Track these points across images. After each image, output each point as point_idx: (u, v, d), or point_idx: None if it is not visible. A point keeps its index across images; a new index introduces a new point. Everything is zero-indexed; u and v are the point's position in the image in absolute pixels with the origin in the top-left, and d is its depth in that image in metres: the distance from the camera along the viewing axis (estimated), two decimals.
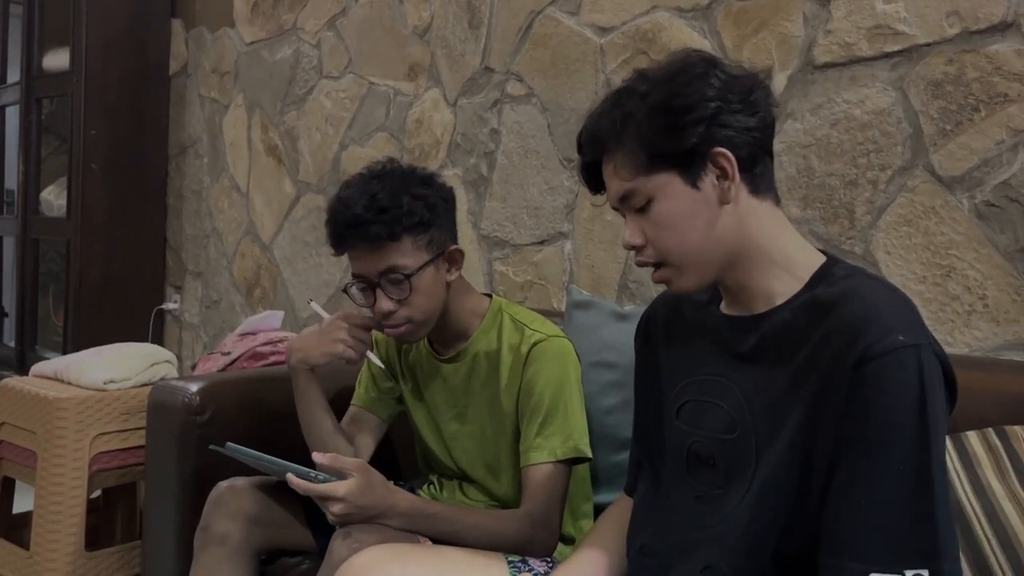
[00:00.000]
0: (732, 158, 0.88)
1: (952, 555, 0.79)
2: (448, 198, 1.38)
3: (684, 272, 0.93)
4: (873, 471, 0.79)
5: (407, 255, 1.29)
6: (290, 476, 1.18)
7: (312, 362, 1.40)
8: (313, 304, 1.53)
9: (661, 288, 1.07)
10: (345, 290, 1.37)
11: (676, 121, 0.88)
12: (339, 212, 1.30)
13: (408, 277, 1.29)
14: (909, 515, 0.78)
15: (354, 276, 1.34)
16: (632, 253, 0.96)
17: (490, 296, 1.44)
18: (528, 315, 1.41)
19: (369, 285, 1.32)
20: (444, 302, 1.36)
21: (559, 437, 1.30)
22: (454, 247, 1.36)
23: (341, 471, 1.19)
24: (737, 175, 0.89)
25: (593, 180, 0.98)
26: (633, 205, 0.93)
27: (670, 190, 0.90)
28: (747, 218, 0.91)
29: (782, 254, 0.92)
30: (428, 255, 1.31)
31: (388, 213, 1.27)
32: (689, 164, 0.89)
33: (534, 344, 1.34)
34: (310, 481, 1.18)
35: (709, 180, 0.89)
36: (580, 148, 0.98)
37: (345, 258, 1.34)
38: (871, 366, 0.80)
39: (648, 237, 0.93)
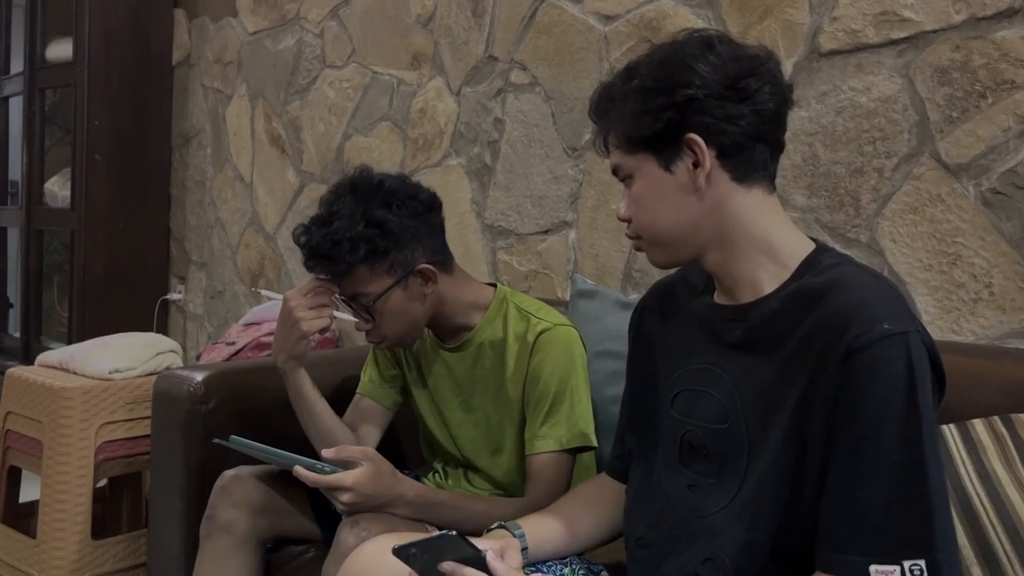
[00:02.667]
0: (703, 145, 0.88)
1: (948, 544, 0.79)
2: (419, 213, 1.34)
3: (655, 248, 0.96)
4: (866, 463, 0.79)
5: (367, 283, 1.30)
6: (298, 468, 1.18)
7: (293, 354, 1.37)
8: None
9: (664, 276, 1.07)
10: (341, 299, 1.38)
11: (648, 105, 0.90)
12: (300, 242, 1.32)
13: (368, 305, 1.31)
14: (904, 505, 0.78)
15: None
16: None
17: (495, 285, 1.44)
18: (533, 304, 1.41)
19: (347, 303, 1.36)
20: (427, 313, 1.36)
21: (565, 426, 1.30)
22: (424, 264, 1.32)
23: (348, 462, 1.20)
24: (709, 163, 0.89)
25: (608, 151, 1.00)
26: (620, 178, 0.97)
27: (645, 170, 0.93)
28: (726, 206, 0.91)
29: (766, 242, 0.92)
30: (391, 278, 1.30)
31: (340, 246, 1.27)
32: (663, 148, 0.91)
33: (540, 333, 1.34)
34: (317, 472, 1.19)
35: (684, 165, 0.90)
36: None
37: None
38: (859, 357, 0.80)
39: (631, 212, 0.96)
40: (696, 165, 0.89)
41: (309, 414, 1.41)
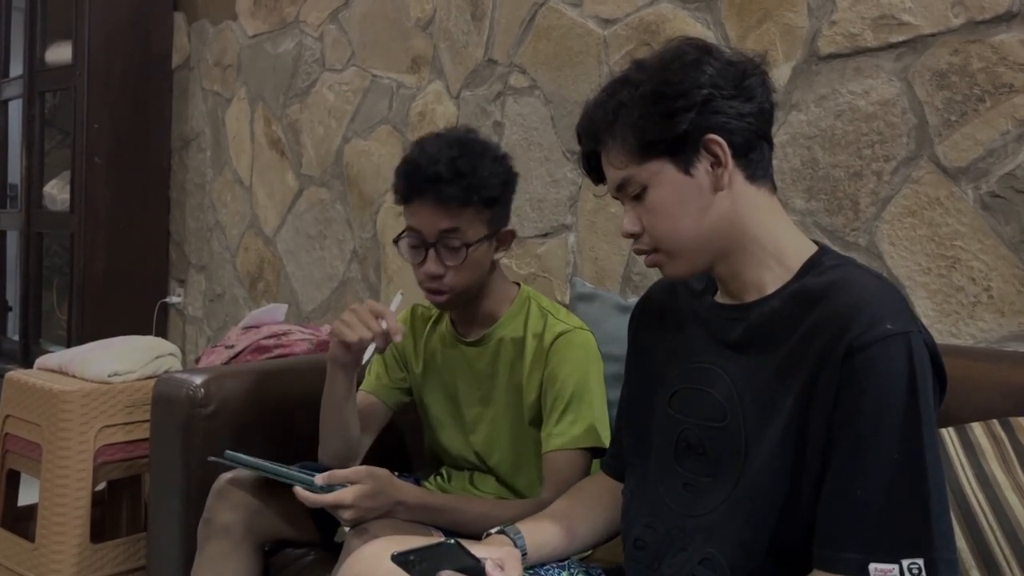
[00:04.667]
0: (724, 144, 0.88)
1: (946, 544, 0.79)
2: (512, 181, 1.38)
3: (676, 258, 0.94)
4: (866, 461, 0.80)
5: (471, 224, 1.30)
6: (297, 489, 1.20)
7: (332, 356, 1.33)
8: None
9: (658, 279, 1.07)
10: (395, 241, 1.34)
11: (666, 108, 0.89)
12: (421, 163, 1.28)
13: (467, 246, 1.29)
14: (903, 504, 0.79)
15: (410, 230, 1.32)
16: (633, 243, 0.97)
17: (519, 285, 1.45)
18: (554, 306, 1.42)
19: (423, 243, 1.31)
20: (484, 279, 1.37)
21: (581, 425, 1.31)
22: (508, 228, 1.37)
23: (345, 480, 1.20)
24: (730, 161, 0.89)
25: (594, 171, 0.99)
26: (629, 193, 0.94)
27: (663, 177, 0.91)
28: (741, 205, 0.91)
29: (774, 244, 0.92)
30: (487, 230, 1.32)
31: (466, 179, 1.27)
32: (681, 151, 0.90)
33: (559, 335, 1.35)
34: (312, 490, 1.19)
35: (702, 167, 0.90)
36: (579, 139, 0.99)
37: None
38: (861, 356, 0.80)
39: (644, 225, 0.93)
40: (715, 165, 0.90)
41: (332, 412, 1.38)
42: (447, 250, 1.30)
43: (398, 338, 1.27)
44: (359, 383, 1.43)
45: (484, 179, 1.29)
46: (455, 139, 1.33)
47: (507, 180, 1.35)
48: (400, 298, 1.34)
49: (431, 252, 1.30)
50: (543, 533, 1.07)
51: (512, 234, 1.39)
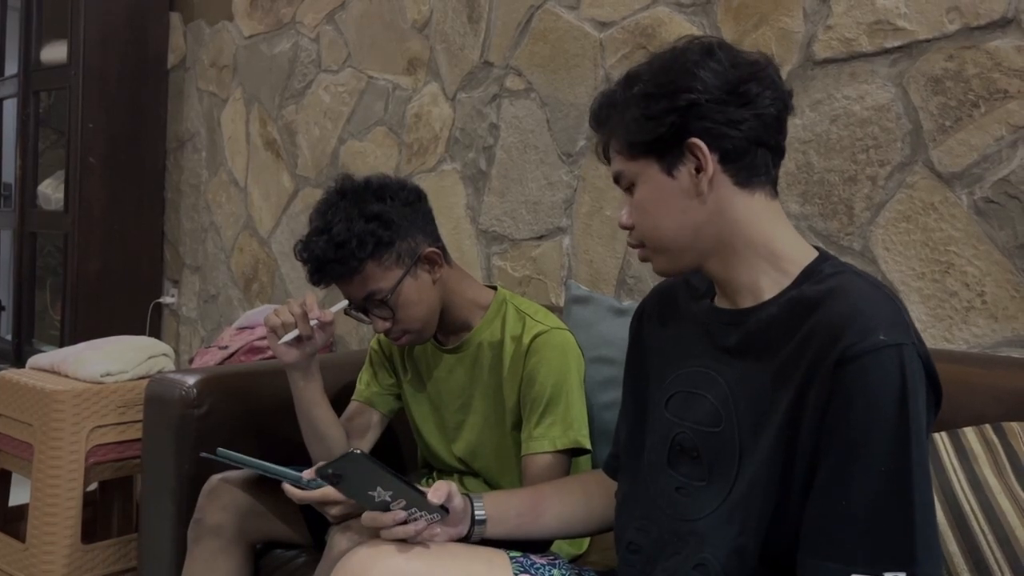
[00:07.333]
0: (705, 150, 0.89)
1: (930, 558, 0.78)
2: (412, 200, 1.36)
3: (659, 255, 0.96)
4: (853, 472, 0.79)
5: (379, 279, 1.31)
6: (286, 486, 1.20)
7: (284, 363, 1.38)
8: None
9: (665, 279, 1.08)
10: (346, 312, 1.37)
11: (650, 111, 0.90)
12: (304, 257, 1.32)
13: (386, 300, 1.31)
14: (887, 517, 0.78)
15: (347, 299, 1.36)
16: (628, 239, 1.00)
17: (495, 288, 1.45)
18: (532, 306, 1.42)
19: (360, 308, 1.35)
20: (440, 301, 1.37)
21: (559, 427, 1.30)
22: (429, 249, 1.34)
23: None
24: (711, 167, 0.89)
25: (605, 155, 1.01)
26: (623, 186, 0.96)
27: (648, 176, 0.93)
28: (728, 211, 0.91)
29: (768, 249, 0.92)
30: (401, 269, 1.31)
31: (345, 248, 1.27)
32: (665, 153, 0.91)
33: (536, 335, 1.34)
34: (302, 487, 1.19)
35: (686, 170, 0.90)
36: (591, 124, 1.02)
37: None
38: (852, 366, 0.80)
39: (633, 219, 0.95)
40: (699, 170, 0.90)
41: (302, 417, 1.41)
42: (377, 309, 1.33)
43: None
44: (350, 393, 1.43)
45: (363, 236, 1.28)
46: (328, 206, 1.33)
47: (391, 217, 1.31)
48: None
49: (369, 313, 1.35)
50: (503, 494, 1.11)
51: (436, 252, 1.35)
